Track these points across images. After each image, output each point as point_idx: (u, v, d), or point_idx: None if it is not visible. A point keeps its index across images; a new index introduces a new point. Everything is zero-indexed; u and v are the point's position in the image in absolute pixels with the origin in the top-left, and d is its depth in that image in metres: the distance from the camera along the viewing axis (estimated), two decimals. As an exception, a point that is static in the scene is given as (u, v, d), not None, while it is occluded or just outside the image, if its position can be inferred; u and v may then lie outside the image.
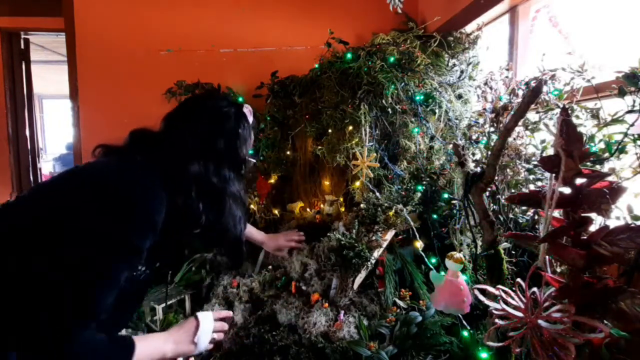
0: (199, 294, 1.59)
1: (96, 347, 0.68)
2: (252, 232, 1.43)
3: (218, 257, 1.61)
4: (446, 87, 1.57)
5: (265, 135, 1.89)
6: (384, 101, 1.45)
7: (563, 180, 0.63)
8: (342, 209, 1.61)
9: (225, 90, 2.14)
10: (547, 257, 0.71)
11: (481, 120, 1.40)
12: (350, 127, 1.50)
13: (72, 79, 2.21)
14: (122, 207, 0.71)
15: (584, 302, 0.63)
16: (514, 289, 0.74)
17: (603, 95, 1.02)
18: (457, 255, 0.95)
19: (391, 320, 1.14)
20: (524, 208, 1.22)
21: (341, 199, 1.63)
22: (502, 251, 0.96)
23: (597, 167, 0.94)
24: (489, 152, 1.18)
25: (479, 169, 0.98)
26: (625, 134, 0.89)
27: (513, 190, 1.19)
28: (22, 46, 2.86)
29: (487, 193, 1.09)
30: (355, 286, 1.23)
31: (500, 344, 0.71)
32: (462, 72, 1.63)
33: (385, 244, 1.28)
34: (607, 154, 0.93)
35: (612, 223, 0.77)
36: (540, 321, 0.65)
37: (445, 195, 1.38)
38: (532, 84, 1.17)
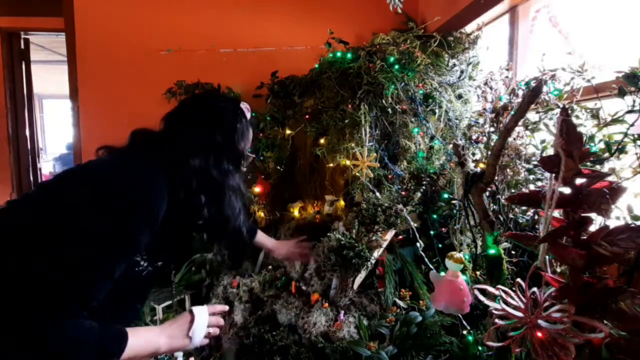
0: (199, 294, 1.59)
1: (88, 336, 0.68)
2: (262, 239, 1.42)
3: (218, 256, 1.60)
4: (446, 87, 1.57)
5: (265, 135, 1.89)
6: (384, 101, 1.45)
7: (563, 180, 0.63)
8: (342, 207, 1.60)
9: (225, 90, 2.14)
10: (547, 257, 0.71)
11: (481, 120, 1.40)
12: (350, 128, 1.50)
13: (72, 79, 2.21)
14: (123, 204, 0.72)
15: (584, 302, 0.63)
16: (514, 289, 0.74)
17: (603, 95, 1.02)
18: (457, 255, 0.95)
19: (391, 320, 1.14)
20: (524, 208, 1.22)
21: (341, 199, 1.63)
22: (502, 251, 0.96)
23: (597, 167, 0.94)
24: (489, 152, 1.18)
25: (478, 169, 0.98)
26: (625, 134, 0.89)
27: (513, 190, 1.19)
28: (22, 46, 2.86)
29: (487, 193, 1.09)
30: (355, 286, 1.23)
31: (500, 344, 0.71)
32: (462, 72, 1.63)
33: (385, 244, 1.28)
34: (607, 154, 0.93)
35: (612, 223, 0.77)
36: (540, 321, 0.65)
37: (445, 195, 1.38)
38: (532, 84, 1.17)
